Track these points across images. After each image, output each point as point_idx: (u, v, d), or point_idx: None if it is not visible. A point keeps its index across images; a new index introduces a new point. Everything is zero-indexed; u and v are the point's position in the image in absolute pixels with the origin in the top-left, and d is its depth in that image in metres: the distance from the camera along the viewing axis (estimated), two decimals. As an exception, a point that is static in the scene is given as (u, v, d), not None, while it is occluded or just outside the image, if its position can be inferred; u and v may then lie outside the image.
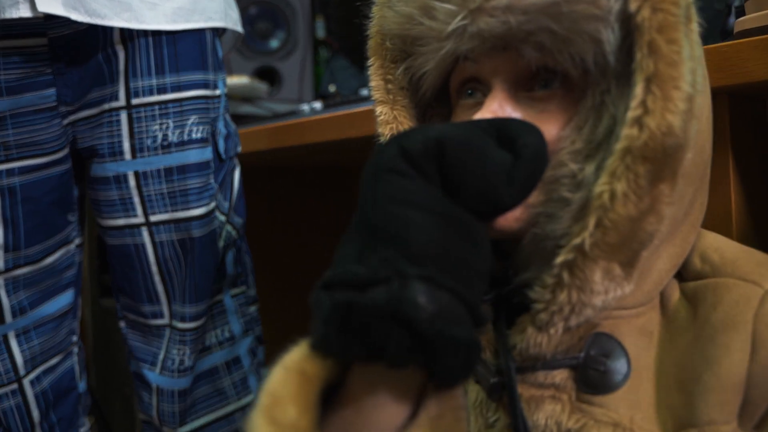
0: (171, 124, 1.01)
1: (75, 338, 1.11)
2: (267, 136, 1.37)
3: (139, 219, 1.03)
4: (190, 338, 1.08)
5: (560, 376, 0.58)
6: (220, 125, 1.08)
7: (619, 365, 0.57)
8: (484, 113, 0.57)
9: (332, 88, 1.85)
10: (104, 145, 1.01)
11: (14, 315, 1.01)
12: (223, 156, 1.08)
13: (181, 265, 1.05)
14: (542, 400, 0.58)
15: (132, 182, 1.02)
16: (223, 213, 1.09)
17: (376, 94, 0.67)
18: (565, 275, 0.53)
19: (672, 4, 0.51)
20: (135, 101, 1.00)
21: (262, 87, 1.63)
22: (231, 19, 1.11)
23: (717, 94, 0.71)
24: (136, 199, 1.02)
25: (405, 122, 0.66)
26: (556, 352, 0.57)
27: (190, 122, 1.02)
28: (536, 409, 0.57)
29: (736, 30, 0.79)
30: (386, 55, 0.67)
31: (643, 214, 0.52)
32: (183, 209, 1.03)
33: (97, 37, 0.98)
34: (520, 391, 0.58)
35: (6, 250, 0.99)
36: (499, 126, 0.53)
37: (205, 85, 1.04)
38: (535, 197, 0.55)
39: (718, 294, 0.58)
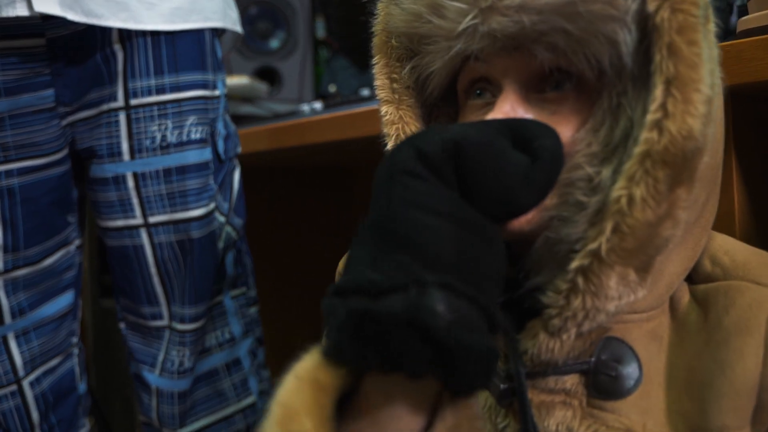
0: (170, 125, 1.01)
1: (75, 339, 1.10)
2: (267, 137, 1.36)
3: (138, 220, 1.03)
4: (189, 340, 1.08)
5: (571, 381, 0.57)
6: (220, 126, 1.08)
7: (631, 370, 0.56)
8: (496, 114, 0.56)
9: (332, 88, 1.85)
10: (103, 146, 1.01)
11: (14, 316, 1.00)
12: (223, 157, 1.08)
13: (181, 267, 1.05)
14: (553, 405, 0.57)
15: (131, 183, 1.01)
16: (222, 214, 1.09)
17: (381, 94, 0.66)
18: (580, 281, 0.52)
19: (692, 5, 0.50)
20: (133, 102, 0.99)
21: (262, 87, 1.63)
22: (230, 19, 1.10)
23: (719, 93, 0.71)
24: (135, 201, 1.02)
25: (411, 122, 0.64)
26: (567, 358, 0.56)
27: (189, 123, 1.02)
28: (547, 415, 0.56)
29: (738, 29, 0.78)
30: (391, 54, 0.66)
31: (661, 219, 0.51)
32: (182, 210, 1.03)
33: (95, 37, 0.97)
34: (530, 396, 0.57)
35: (5, 251, 0.98)
36: (514, 126, 0.51)
37: (204, 86, 1.04)
38: (548, 200, 0.53)
39: (730, 297, 0.57)
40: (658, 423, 0.55)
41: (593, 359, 0.56)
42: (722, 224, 0.77)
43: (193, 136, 1.02)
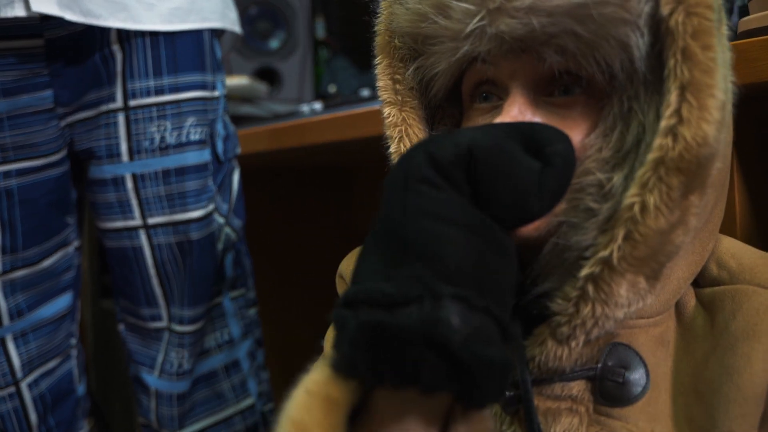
0: (169, 126, 1.00)
1: (74, 341, 1.10)
2: (267, 137, 1.36)
3: (137, 221, 1.03)
4: (188, 341, 1.07)
5: (577, 387, 0.56)
6: (219, 127, 1.07)
7: (638, 377, 0.56)
8: (504, 118, 0.55)
9: (332, 89, 1.84)
10: (101, 147, 1.01)
11: (11, 317, 1.00)
12: (222, 158, 1.07)
13: (180, 268, 1.05)
14: (559, 412, 0.56)
15: (129, 184, 1.01)
16: (221, 215, 1.08)
17: (384, 95, 0.64)
18: (590, 288, 0.51)
19: (707, 8, 0.49)
20: (132, 103, 0.99)
21: (261, 88, 1.62)
22: (229, 20, 1.10)
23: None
24: (134, 202, 1.02)
25: (414, 124, 0.63)
26: (574, 365, 0.55)
27: (188, 124, 1.01)
28: (553, 423, 0.56)
29: (740, 30, 0.78)
30: (395, 54, 0.64)
31: (673, 226, 0.50)
32: (181, 211, 1.02)
33: (94, 38, 0.97)
34: (536, 403, 0.56)
35: (3, 252, 0.98)
36: (525, 131, 0.50)
37: (203, 87, 1.03)
38: (557, 206, 0.52)
39: (737, 302, 0.56)
40: (665, 429, 0.55)
41: (600, 365, 0.56)
42: (723, 225, 0.76)
43: (192, 137, 1.02)
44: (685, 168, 0.48)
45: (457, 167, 0.47)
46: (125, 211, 1.02)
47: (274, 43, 1.85)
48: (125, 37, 0.98)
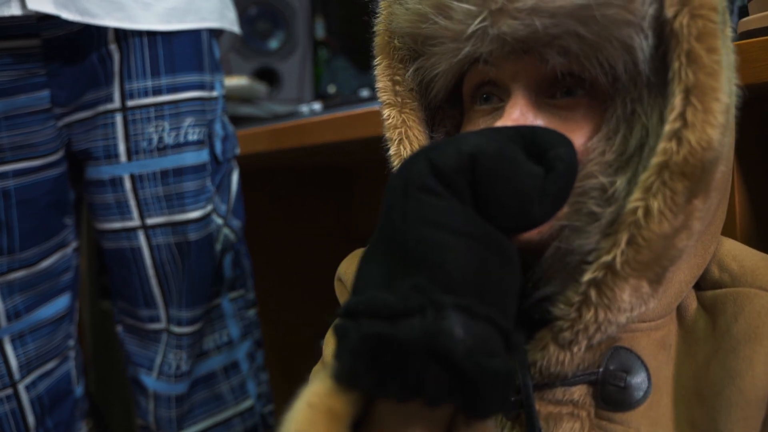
0: (166, 126, 1.00)
1: (72, 342, 1.10)
2: (267, 138, 1.36)
3: (135, 222, 1.02)
4: (186, 343, 1.07)
5: (578, 392, 0.56)
6: (217, 127, 1.07)
7: (640, 381, 0.55)
8: (506, 122, 0.54)
9: (332, 89, 1.84)
10: (99, 147, 1.00)
11: (9, 319, 0.99)
12: (220, 158, 1.07)
13: (178, 269, 1.04)
14: (560, 417, 0.55)
15: (127, 185, 1.01)
16: (220, 216, 1.08)
17: (383, 96, 0.63)
18: (593, 293, 0.50)
19: (711, 10, 0.48)
20: (130, 103, 0.99)
21: (261, 88, 1.62)
22: (227, 20, 1.10)
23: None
24: (132, 202, 1.01)
25: (414, 126, 0.62)
26: (576, 369, 0.55)
27: (186, 124, 1.01)
28: (555, 427, 0.55)
29: (740, 30, 0.78)
30: (394, 55, 0.64)
31: (677, 231, 0.49)
32: (179, 212, 1.02)
33: (91, 37, 0.96)
34: (537, 407, 0.55)
35: (0, 253, 0.98)
36: (527, 134, 0.50)
37: (201, 87, 1.03)
38: (560, 210, 0.52)
39: (739, 304, 0.56)
40: None
41: (601, 370, 0.55)
42: (723, 226, 0.76)
43: (190, 138, 1.02)
44: (689, 172, 0.48)
45: (459, 174, 0.46)
46: (123, 211, 1.02)
47: (273, 44, 1.85)
48: (122, 36, 0.97)
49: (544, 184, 0.47)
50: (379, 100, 0.64)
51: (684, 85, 0.48)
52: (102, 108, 0.99)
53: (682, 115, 0.48)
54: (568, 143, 0.50)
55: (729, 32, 0.53)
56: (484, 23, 0.52)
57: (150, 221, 1.02)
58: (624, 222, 0.49)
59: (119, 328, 1.14)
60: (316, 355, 0.70)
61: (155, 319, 1.07)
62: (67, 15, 0.90)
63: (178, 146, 1.01)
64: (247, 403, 1.16)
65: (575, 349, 0.53)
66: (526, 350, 0.55)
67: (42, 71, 0.96)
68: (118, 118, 0.99)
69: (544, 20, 0.51)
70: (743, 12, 0.84)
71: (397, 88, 0.63)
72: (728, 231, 0.76)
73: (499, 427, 0.57)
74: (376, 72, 0.65)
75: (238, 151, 1.14)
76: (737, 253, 0.59)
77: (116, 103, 0.99)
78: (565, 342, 0.52)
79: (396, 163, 0.62)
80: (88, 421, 1.15)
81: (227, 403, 1.13)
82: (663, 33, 0.50)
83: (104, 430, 1.35)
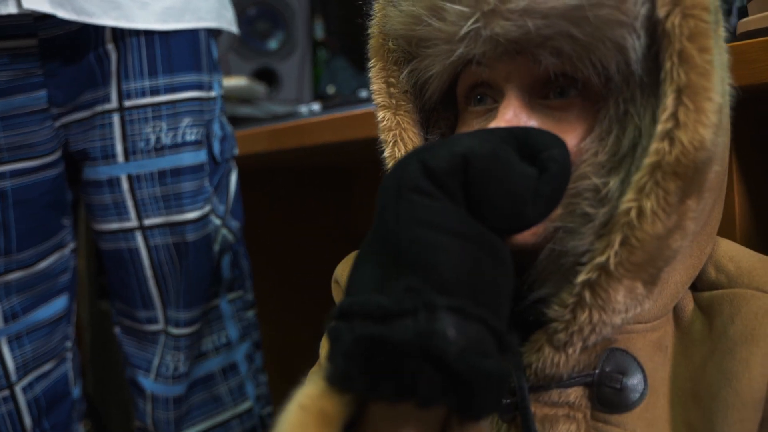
0: (164, 127, 1.00)
1: (69, 344, 1.09)
2: (266, 138, 1.36)
3: (133, 223, 1.02)
4: (184, 344, 1.07)
5: (574, 394, 0.56)
6: (216, 127, 1.07)
7: (636, 382, 0.55)
8: (499, 123, 0.54)
9: (331, 89, 1.84)
10: (96, 148, 1.00)
11: (6, 320, 0.99)
12: (219, 158, 1.07)
13: (176, 270, 1.04)
14: (556, 419, 0.55)
15: (125, 185, 1.00)
16: (218, 216, 1.08)
17: (378, 99, 0.64)
18: (587, 294, 0.50)
19: (703, 10, 0.48)
20: (127, 103, 0.99)
21: (260, 88, 1.62)
22: (225, 20, 1.09)
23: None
24: (130, 203, 1.01)
25: (409, 128, 0.63)
26: (572, 371, 0.55)
27: (183, 124, 1.01)
28: (551, 429, 0.55)
29: (739, 31, 0.77)
30: (388, 57, 0.64)
31: (670, 231, 0.49)
32: (177, 213, 1.02)
33: (88, 37, 0.96)
34: (533, 410, 0.55)
35: (-3, 254, 0.98)
36: (520, 136, 0.50)
37: (199, 87, 1.03)
38: (553, 211, 0.52)
39: (735, 305, 0.56)
40: None
41: (597, 371, 0.55)
42: (723, 227, 0.76)
43: (187, 138, 1.01)
44: (682, 172, 0.48)
45: (451, 176, 0.46)
46: (121, 212, 1.02)
47: (272, 44, 1.85)
48: (120, 36, 0.97)
49: (537, 186, 0.47)
50: (374, 102, 0.64)
51: (676, 85, 0.48)
52: (99, 108, 0.99)
53: (674, 115, 0.48)
54: (561, 144, 0.50)
55: (722, 32, 0.53)
56: (476, 24, 0.53)
57: (148, 222, 1.02)
58: (617, 223, 0.50)
59: (117, 330, 1.13)
60: (316, 356, 0.70)
61: (153, 320, 1.07)
62: (63, 14, 0.89)
63: (175, 146, 1.00)
64: (246, 405, 1.15)
65: (570, 351, 0.53)
66: (522, 352, 0.55)
67: (39, 71, 0.96)
68: (116, 119, 0.99)
69: (537, 21, 0.51)
70: (743, 13, 0.84)
71: (392, 90, 0.64)
72: (728, 231, 0.75)
73: (495, 430, 0.57)
74: (370, 74, 0.65)
75: (236, 151, 1.14)
76: (734, 254, 0.59)
77: (113, 104, 0.98)
78: (560, 343, 0.52)
79: (390, 165, 0.62)
80: (86, 423, 1.15)
81: (226, 404, 1.13)
82: (655, 33, 0.50)
83: (102, 431, 1.35)
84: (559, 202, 0.49)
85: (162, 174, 1.00)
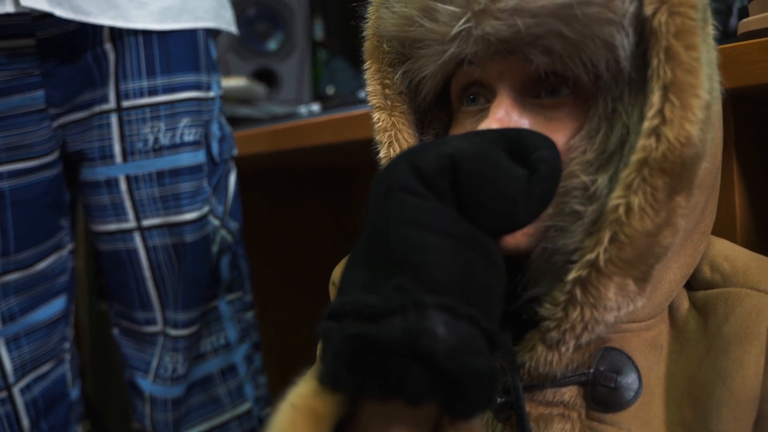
0: (162, 127, 0.99)
1: (67, 345, 1.09)
2: (265, 139, 1.36)
3: (131, 224, 1.02)
4: (182, 345, 1.06)
5: (569, 393, 0.56)
6: (214, 128, 1.06)
7: (630, 381, 0.55)
8: (491, 122, 0.55)
9: (330, 90, 1.84)
10: (95, 148, 1.00)
11: (4, 321, 0.99)
12: (217, 159, 1.07)
13: (175, 271, 1.04)
14: (551, 418, 0.56)
15: (123, 186, 1.00)
16: (217, 217, 1.07)
17: (373, 100, 0.64)
18: (578, 292, 0.51)
19: (690, 8, 0.49)
20: (125, 104, 0.98)
21: (259, 89, 1.62)
22: (223, 20, 1.09)
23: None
24: (128, 204, 1.01)
25: (404, 129, 0.63)
26: (566, 370, 0.55)
27: (182, 125, 1.01)
28: (545, 429, 0.55)
29: (740, 31, 0.77)
30: (383, 59, 0.65)
31: (660, 228, 0.50)
32: (175, 213, 1.01)
33: (86, 37, 0.96)
34: (528, 409, 0.56)
35: (-5, 255, 0.97)
36: (510, 137, 0.50)
37: (197, 87, 1.03)
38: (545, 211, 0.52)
39: (730, 305, 0.56)
40: None
41: (591, 370, 0.55)
42: (723, 228, 0.76)
43: (186, 138, 1.01)
44: (668, 168, 0.48)
45: (441, 176, 0.46)
46: (119, 213, 1.02)
47: (272, 44, 1.85)
48: (118, 36, 0.97)
49: (528, 187, 0.48)
50: (369, 104, 0.65)
51: (662, 82, 0.49)
52: (97, 108, 0.99)
53: (661, 112, 0.48)
54: (551, 145, 0.50)
55: (710, 30, 0.54)
56: (467, 24, 0.53)
57: (146, 223, 1.01)
58: (606, 220, 0.50)
59: (115, 331, 1.13)
60: (315, 357, 0.70)
61: (151, 321, 1.07)
62: (60, 12, 0.89)
63: (174, 147, 1.00)
64: (245, 407, 1.15)
65: (563, 349, 0.53)
66: (516, 351, 0.55)
67: (37, 71, 0.96)
68: (114, 119, 0.98)
69: (527, 20, 0.51)
70: (743, 13, 0.84)
71: (387, 91, 0.64)
72: (728, 232, 0.75)
73: (489, 429, 0.57)
74: (365, 76, 0.66)
75: (235, 152, 1.14)
76: (729, 253, 0.60)
77: (111, 104, 0.98)
78: (553, 342, 0.53)
79: None
80: (85, 424, 1.14)
81: (224, 406, 1.13)
82: (644, 31, 0.50)
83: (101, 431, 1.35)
84: (549, 202, 0.50)
85: (160, 174, 1.00)
